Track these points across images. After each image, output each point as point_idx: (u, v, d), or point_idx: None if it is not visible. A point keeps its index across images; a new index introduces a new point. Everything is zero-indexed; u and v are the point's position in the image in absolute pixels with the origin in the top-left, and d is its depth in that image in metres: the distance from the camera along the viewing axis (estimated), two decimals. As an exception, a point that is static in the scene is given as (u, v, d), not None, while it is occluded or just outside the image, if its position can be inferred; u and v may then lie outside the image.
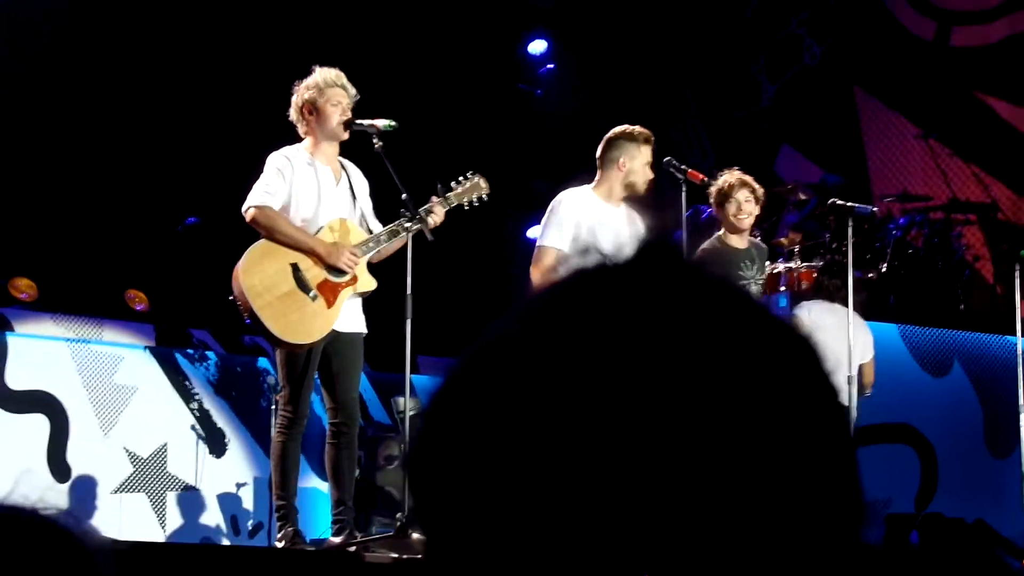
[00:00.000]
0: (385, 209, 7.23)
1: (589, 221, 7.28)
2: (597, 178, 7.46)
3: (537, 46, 12.01)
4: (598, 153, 7.46)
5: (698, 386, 0.83)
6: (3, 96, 8.98)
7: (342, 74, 6.96)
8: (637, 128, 7.41)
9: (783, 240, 9.81)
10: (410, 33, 10.78)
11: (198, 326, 9.67)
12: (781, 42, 12.89)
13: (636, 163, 7.38)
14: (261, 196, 6.76)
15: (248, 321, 6.86)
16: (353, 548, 6.85)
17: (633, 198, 7.45)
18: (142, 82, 9.59)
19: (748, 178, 7.93)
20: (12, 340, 8.94)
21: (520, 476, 0.84)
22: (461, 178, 7.27)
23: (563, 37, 12.04)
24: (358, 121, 6.93)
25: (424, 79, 10.58)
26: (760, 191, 7.94)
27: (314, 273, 6.82)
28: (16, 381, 8.94)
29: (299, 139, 6.99)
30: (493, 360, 0.91)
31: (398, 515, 7.38)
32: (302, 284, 6.79)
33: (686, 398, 0.82)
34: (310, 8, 10.40)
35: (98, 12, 9.57)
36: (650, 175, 7.41)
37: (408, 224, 6.98)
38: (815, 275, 8.76)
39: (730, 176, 7.93)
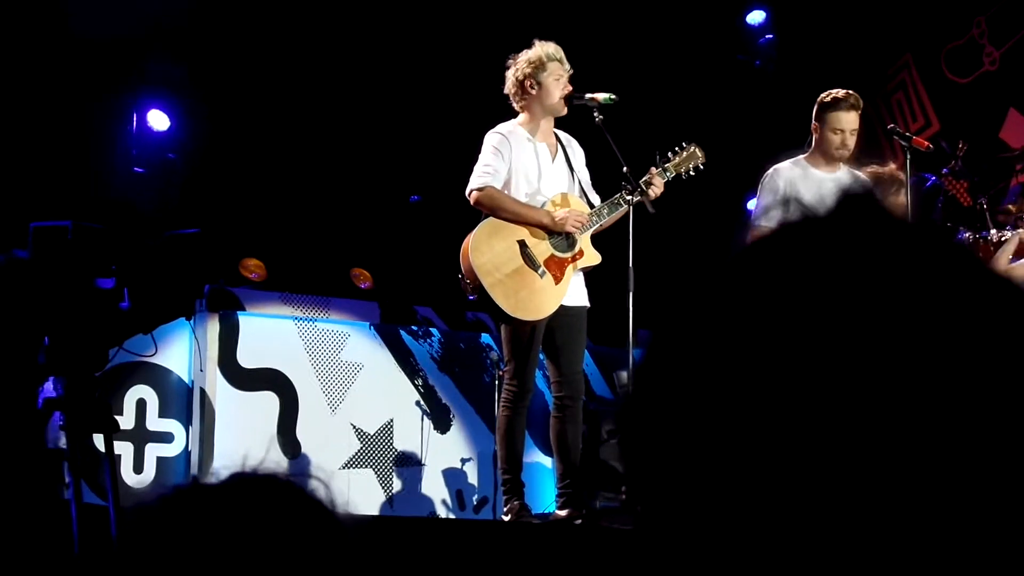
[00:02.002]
0: (603, 182, 7.21)
1: (799, 191, 7.17)
2: (810, 146, 7.34)
3: (756, 16, 11.83)
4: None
5: (921, 340, 0.78)
6: (228, 80, 9.20)
7: (559, 48, 6.96)
8: (839, 93, 7.23)
9: (1010, 207, 9.49)
10: (628, 4, 10.72)
11: (422, 303, 9.79)
12: (1005, 5, 12.47)
13: (838, 127, 7.22)
14: (482, 178, 6.80)
15: (472, 298, 6.91)
16: (579, 521, 6.86)
17: (849, 161, 7.30)
18: (363, 60, 9.72)
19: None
20: (243, 319, 9.18)
21: (734, 433, 0.80)
22: (677, 148, 7.21)
23: (782, 6, 11.82)
24: (580, 95, 6.92)
25: (642, 50, 10.51)
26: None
27: (541, 249, 6.84)
28: (247, 360, 9.17)
29: (514, 114, 7.00)
30: (703, 315, 0.87)
31: (623, 488, 7.37)
32: (530, 261, 6.81)
33: (908, 353, 0.78)
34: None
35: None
36: (850, 141, 7.24)
37: (629, 196, 6.95)
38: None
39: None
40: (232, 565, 1.41)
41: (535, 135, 6.93)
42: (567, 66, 6.95)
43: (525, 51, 6.94)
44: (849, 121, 7.20)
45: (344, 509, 1.60)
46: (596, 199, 7.11)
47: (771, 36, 11.89)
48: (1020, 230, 8.40)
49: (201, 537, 1.43)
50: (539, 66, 6.87)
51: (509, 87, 6.97)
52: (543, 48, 6.91)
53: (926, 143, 7.59)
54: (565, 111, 6.94)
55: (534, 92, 6.89)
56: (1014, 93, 12.27)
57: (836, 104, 7.20)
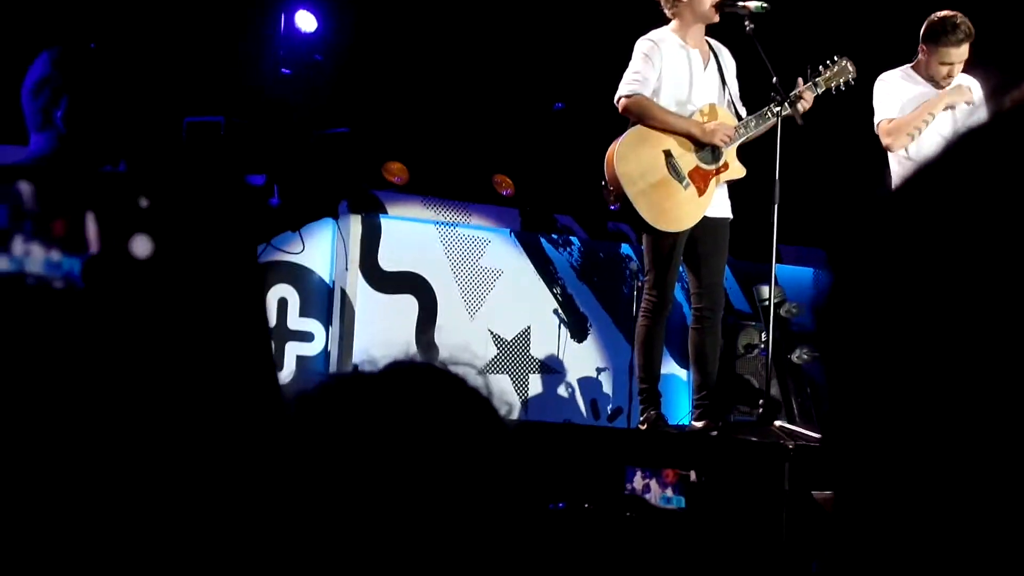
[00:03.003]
0: (751, 93, 7.11)
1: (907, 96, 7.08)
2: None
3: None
4: None
5: None
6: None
7: None
8: (950, 19, 6.99)
9: None
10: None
11: (563, 212, 9.77)
12: None
13: (946, 60, 7.01)
14: (632, 84, 6.75)
15: (614, 207, 6.89)
16: (715, 433, 6.85)
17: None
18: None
19: None
20: (385, 222, 9.24)
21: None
22: (828, 62, 7.08)
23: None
24: (732, 2, 6.81)
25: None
26: None
27: (686, 160, 6.79)
28: (388, 263, 9.24)
29: (666, 21, 6.92)
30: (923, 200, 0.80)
31: (759, 402, 7.35)
32: (675, 171, 6.77)
33: None
34: None
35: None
36: (957, 71, 7.02)
37: (777, 109, 6.85)
38: None
39: None
40: (394, 452, 1.42)
41: (687, 42, 6.85)
42: None
43: None
44: (959, 54, 7.00)
45: (500, 402, 1.60)
46: (743, 111, 7.03)
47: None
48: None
49: (364, 423, 1.44)
50: None
51: None
52: None
53: None
54: (717, 18, 6.84)
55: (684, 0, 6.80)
56: None
57: (946, 35, 6.97)
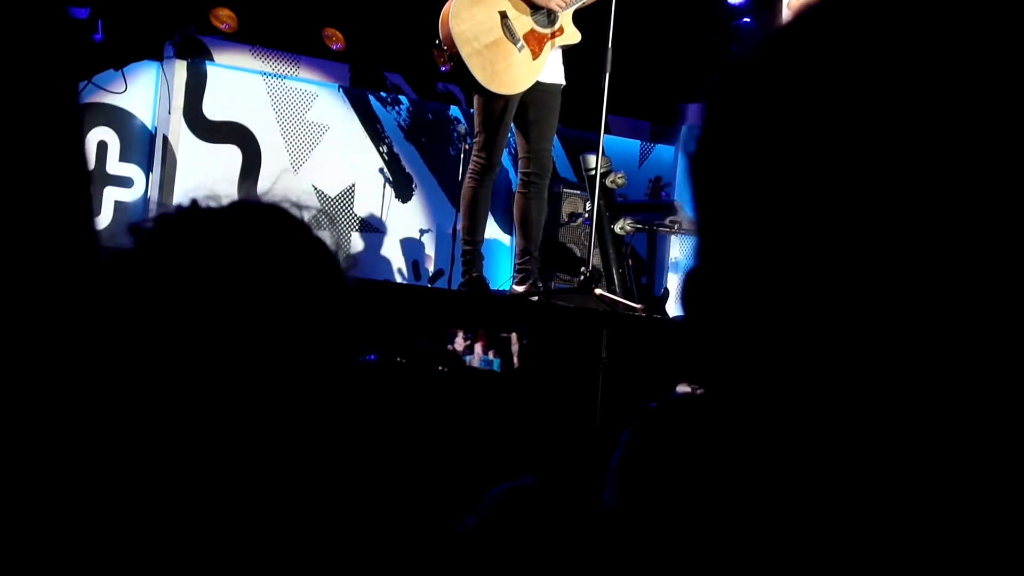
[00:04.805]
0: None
1: None
2: None
3: None
4: None
5: None
6: None
7: None
8: None
9: None
10: None
11: (393, 69, 9.65)
12: None
13: None
14: None
15: (444, 68, 6.84)
16: (535, 298, 6.91)
17: None
18: None
19: None
20: (211, 69, 9.03)
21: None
22: None
23: None
24: None
25: None
26: None
27: (522, 23, 6.73)
28: (213, 111, 9.05)
29: None
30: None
31: (581, 269, 7.41)
32: (510, 33, 6.71)
33: None
34: None
35: None
36: None
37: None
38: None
39: None
40: (235, 288, 1.39)
41: None
42: None
43: None
44: None
45: (343, 255, 1.58)
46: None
47: None
48: None
49: (211, 254, 1.40)
50: None
51: None
52: None
53: None
54: None
55: None
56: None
57: None
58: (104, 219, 8.55)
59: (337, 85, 9.52)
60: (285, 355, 1.41)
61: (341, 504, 1.43)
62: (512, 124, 6.87)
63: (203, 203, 1.50)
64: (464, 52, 6.62)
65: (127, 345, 1.37)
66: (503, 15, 6.70)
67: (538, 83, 6.78)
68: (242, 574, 1.34)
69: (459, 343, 6.06)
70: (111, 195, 8.77)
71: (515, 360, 6.05)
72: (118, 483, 1.29)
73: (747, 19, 10.02)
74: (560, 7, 6.73)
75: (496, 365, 6.06)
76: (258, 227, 1.44)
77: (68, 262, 1.14)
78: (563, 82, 6.96)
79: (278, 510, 1.38)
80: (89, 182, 1.19)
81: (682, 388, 6.10)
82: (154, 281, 1.38)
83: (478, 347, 6.07)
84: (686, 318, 0.81)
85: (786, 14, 7.06)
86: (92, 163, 8.51)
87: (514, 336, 6.10)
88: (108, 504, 1.27)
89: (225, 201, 1.51)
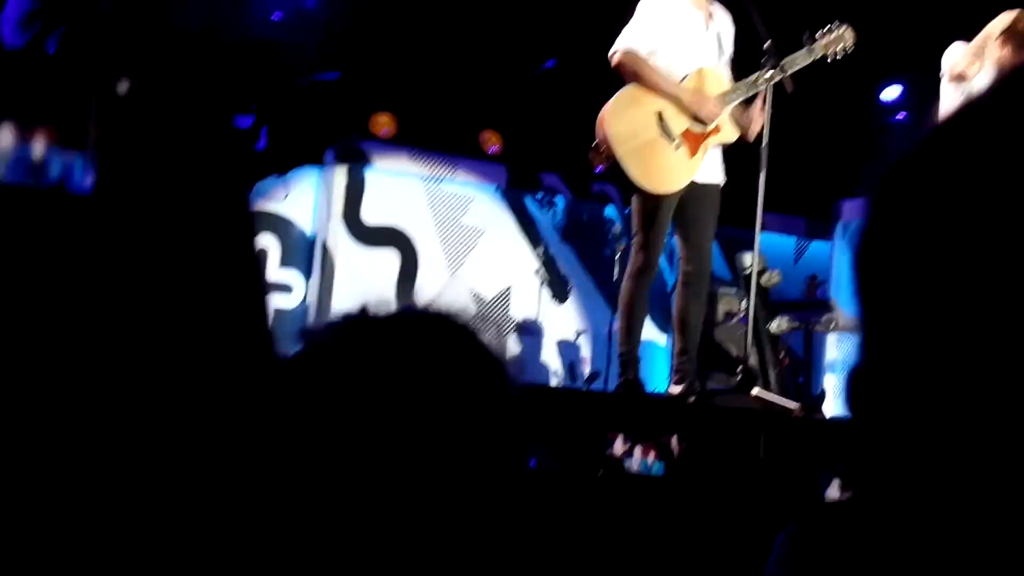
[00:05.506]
0: (743, 56, 7.04)
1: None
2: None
3: None
4: None
5: None
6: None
7: None
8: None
9: None
10: None
11: (549, 170, 9.70)
12: None
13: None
14: (626, 41, 6.68)
15: (599, 169, 6.84)
16: (692, 399, 6.82)
17: None
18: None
19: None
20: (370, 174, 9.17)
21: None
22: (828, 27, 7.01)
23: None
24: None
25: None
26: None
27: (678, 122, 6.72)
28: (371, 216, 9.18)
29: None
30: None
31: (738, 369, 7.31)
32: (666, 132, 6.70)
33: None
34: None
35: None
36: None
37: (769, 75, 6.79)
38: None
39: None
40: (405, 399, 1.37)
41: (691, 2, 6.78)
42: None
43: None
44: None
45: (511, 362, 1.56)
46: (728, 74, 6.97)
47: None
48: None
49: (375, 365, 1.39)
50: None
51: None
52: None
53: None
54: None
55: None
56: None
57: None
58: (265, 325, 8.66)
59: (494, 186, 9.59)
60: (457, 466, 1.39)
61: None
62: (672, 223, 6.83)
63: (372, 310, 1.49)
64: (620, 151, 6.62)
65: (298, 450, 1.36)
66: (659, 114, 6.70)
67: (696, 183, 6.75)
68: None
69: (618, 447, 6.00)
70: (271, 302, 8.91)
71: (675, 463, 5.97)
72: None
73: (901, 114, 9.93)
74: (711, 119, 6.71)
75: (656, 469, 5.99)
76: (427, 334, 1.43)
77: (247, 365, 1.14)
78: (722, 181, 6.92)
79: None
80: (265, 289, 1.19)
81: (833, 492, 5.98)
82: (326, 387, 1.37)
83: (637, 451, 6.01)
84: (850, 418, 0.78)
85: (952, 97, 7.00)
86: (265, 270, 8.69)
87: (674, 439, 6.02)
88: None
89: (392, 307, 1.50)
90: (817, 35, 6.96)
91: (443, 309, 1.52)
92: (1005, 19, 6.96)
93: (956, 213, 0.70)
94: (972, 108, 0.75)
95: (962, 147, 0.72)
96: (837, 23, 7.00)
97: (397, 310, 1.50)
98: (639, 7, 6.72)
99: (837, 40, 6.98)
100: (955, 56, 7.05)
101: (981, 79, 6.98)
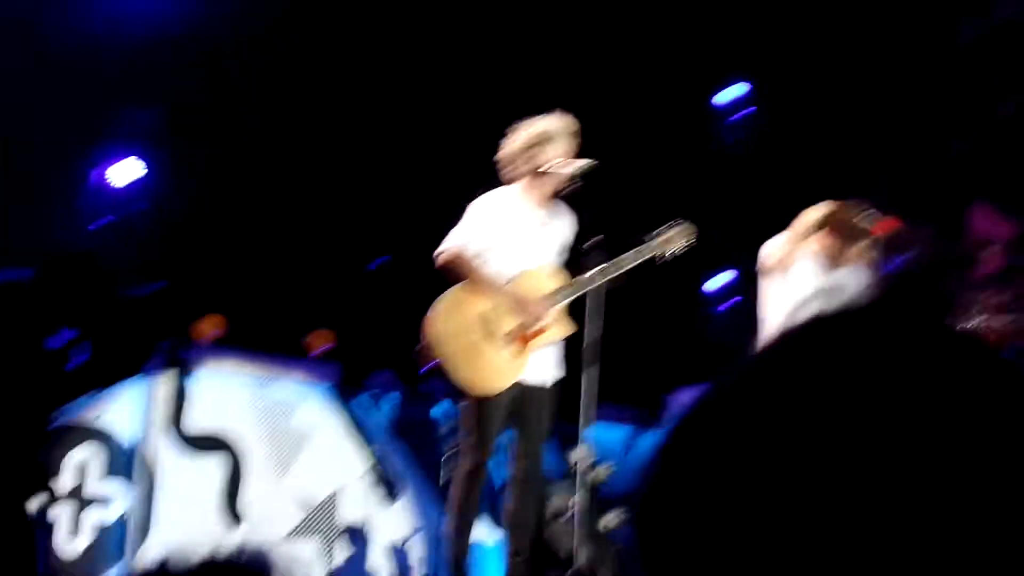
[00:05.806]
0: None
1: None
2: None
3: (732, 92, 11.84)
4: None
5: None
6: (195, 137, 9.09)
7: (568, 120, 6.85)
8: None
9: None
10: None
11: (380, 369, 9.65)
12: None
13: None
14: (454, 241, 6.72)
15: (424, 370, 6.83)
16: (528, 602, 6.73)
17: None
18: (336, 117, 9.63)
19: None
20: (194, 381, 8.98)
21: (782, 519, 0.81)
22: (667, 225, 7.13)
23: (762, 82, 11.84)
24: (558, 166, 6.82)
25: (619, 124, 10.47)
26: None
27: (504, 322, 6.74)
28: (195, 423, 8.96)
29: (500, 181, 6.91)
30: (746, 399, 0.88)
31: (569, 571, 7.25)
32: (491, 333, 6.70)
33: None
34: (508, 48, 10.36)
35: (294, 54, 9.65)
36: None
37: (602, 273, 6.87)
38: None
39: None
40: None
41: (528, 201, 6.85)
42: (569, 138, 6.85)
43: (527, 121, 6.85)
44: None
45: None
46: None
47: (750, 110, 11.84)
48: None
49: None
50: (541, 137, 6.79)
51: (506, 154, 6.86)
52: (551, 121, 6.82)
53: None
54: (547, 183, 6.84)
55: (527, 161, 6.80)
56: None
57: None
58: (83, 541, 8.37)
59: (325, 385, 9.48)
60: None
61: None
62: (506, 421, 6.79)
63: (173, 564, 1.41)
64: (444, 352, 6.61)
65: None
66: (484, 315, 6.71)
67: (525, 383, 6.74)
68: None
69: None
70: (90, 516, 8.59)
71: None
72: None
73: (730, 301, 10.14)
74: (530, 324, 6.74)
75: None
76: None
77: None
78: (555, 378, 6.92)
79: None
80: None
81: None
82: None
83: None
84: None
85: (773, 289, 7.12)
86: (73, 484, 8.41)
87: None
88: None
89: (195, 560, 1.42)
90: (654, 232, 7.06)
91: (247, 558, 1.46)
92: (824, 209, 7.17)
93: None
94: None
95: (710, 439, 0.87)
96: (675, 223, 7.12)
97: (196, 564, 1.43)
98: (470, 207, 6.79)
99: (676, 238, 7.09)
100: (771, 248, 7.23)
101: (802, 267, 7.15)
